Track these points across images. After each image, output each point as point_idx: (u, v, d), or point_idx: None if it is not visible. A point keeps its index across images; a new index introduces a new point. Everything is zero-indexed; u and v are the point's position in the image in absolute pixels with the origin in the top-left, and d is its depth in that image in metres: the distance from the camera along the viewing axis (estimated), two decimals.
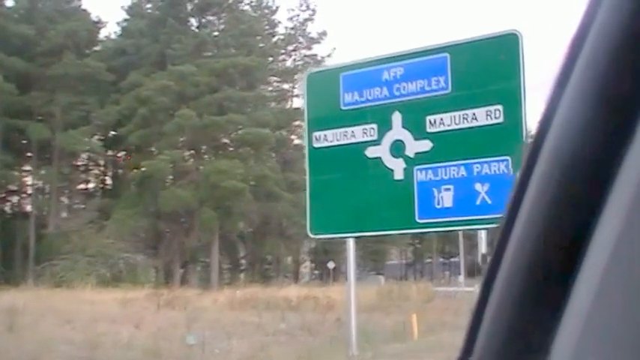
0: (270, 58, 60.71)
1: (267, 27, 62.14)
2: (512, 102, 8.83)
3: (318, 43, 64.06)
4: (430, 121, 9.27)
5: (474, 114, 9.01)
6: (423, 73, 9.42)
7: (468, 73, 9.18)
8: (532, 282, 0.86)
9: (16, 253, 52.03)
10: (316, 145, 10.13)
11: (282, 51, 64.19)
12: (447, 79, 9.25)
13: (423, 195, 9.23)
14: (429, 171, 9.21)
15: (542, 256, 0.85)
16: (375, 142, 9.63)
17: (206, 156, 52.64)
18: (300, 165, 74.95)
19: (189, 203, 47.31)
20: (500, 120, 8.87)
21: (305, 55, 64.28)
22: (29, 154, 54.65)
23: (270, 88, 62.11)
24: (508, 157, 8.77)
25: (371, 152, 9.67)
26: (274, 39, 64.05)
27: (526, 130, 8.81)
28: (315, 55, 63.97)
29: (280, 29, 64.23)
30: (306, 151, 10.20)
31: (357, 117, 9.82)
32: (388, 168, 9.51)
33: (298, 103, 68.27)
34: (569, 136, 0.80)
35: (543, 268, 0.85)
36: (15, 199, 57.52)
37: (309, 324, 22.49)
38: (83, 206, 54.28)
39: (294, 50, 64.51)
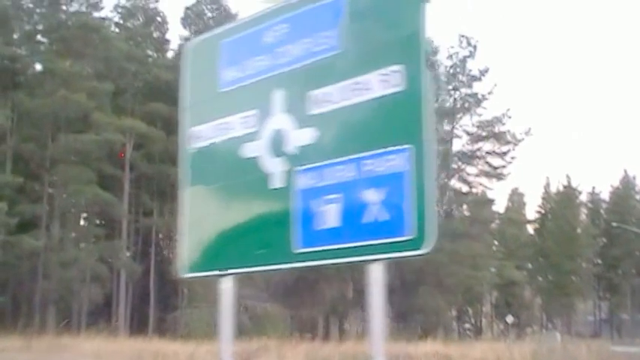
0: None
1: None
2: (415, 59, 5.47)
3: (479, 80, 60.20)
4: (314, 99, 6.06)
5: (367, 81, 5.71)
6: (310, 29, 6.21)
7: (362, 21, 5.90)
8: None
9: (169, 299, 52.14)
10: (194, 145, 7.15)
11: (441, 91, 61.12)
12: (338, 34, 6.02)
13: (302, 211, 5.98)
14: (311, 174, 5.96)
15: None
16: (254, 136, 6.52)
17: None
18: (460, 213, 70.27)
19: None
20: (401, 88, 5.50)
21: (466, 94, 60.66)
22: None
23: None
24: (409, 146, 5.38)
25: (248, 150, 6.55)
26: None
27: (431, 103, 5.39)
28: (476, 93, 60.18)
29: (440, 69, 61.31)
30: (181, 155, 7.20)
31: (235, 101, 6.76)
32: (266, 172, 6.35)
33: (459, 144, 64.35)
34: None
35: None
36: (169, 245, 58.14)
37: None
38: None
39: (453, 89, 61.06)
